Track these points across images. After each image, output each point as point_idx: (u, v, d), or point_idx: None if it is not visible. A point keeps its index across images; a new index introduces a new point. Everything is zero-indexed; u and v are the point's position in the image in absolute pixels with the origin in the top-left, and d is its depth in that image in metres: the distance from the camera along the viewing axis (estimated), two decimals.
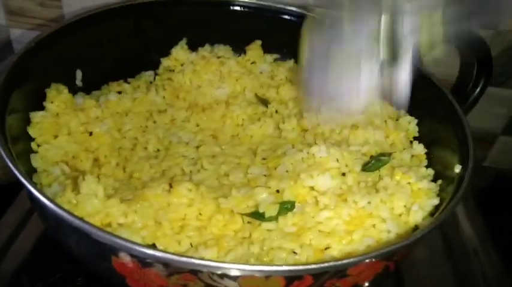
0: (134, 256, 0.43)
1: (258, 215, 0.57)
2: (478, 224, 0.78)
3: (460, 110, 0.64)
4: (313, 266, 0.43)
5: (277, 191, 0.59)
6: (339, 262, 0.43)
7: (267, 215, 0.57)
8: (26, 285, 0.61)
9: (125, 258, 0.43)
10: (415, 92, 0.69)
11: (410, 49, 0.50)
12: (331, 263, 0.43)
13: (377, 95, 0.54)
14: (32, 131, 0.62)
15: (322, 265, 0.43)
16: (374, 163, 0.64)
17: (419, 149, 0.69)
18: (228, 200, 0.57)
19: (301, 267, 0.42)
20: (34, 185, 0.46)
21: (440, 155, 0.66)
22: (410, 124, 0.72)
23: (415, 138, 0.71)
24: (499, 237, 0.76)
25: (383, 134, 0.69)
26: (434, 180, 0.64)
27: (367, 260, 0.45)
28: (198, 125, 0.73)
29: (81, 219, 0.43)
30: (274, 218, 0.57)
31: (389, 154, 0.66)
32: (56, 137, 0.64)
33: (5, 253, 0.66)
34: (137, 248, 0.41)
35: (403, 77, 0.51)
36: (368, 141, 0.68)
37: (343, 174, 0.63)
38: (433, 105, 0.68)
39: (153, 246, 0.54)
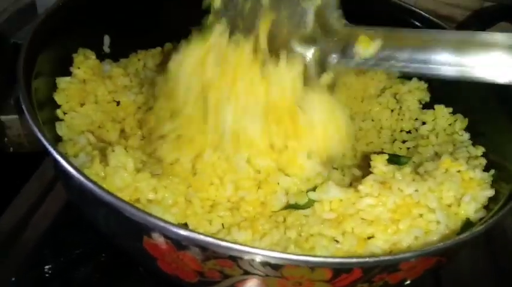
0: (169, 237, 0.39)
1: (292, 207, 0.54)
2: None
3: None
4: (366, 259, 0.39)
5: None
6: (392, 257, 0.39)
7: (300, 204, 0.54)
8: (49, 259, 0.59)
9: (159, 239, 0.40)
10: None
11: None
12: (384, 258, 0.39)
13: None
14: (58, 97, 0.59)
15: (374, 259, 0.39)
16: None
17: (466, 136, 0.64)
18: None
19: (353, 260, 0.39)
20: (62, 154, 0.42)
21: (493, 142, 0.61)
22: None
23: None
24: None
25: None
26: (485, 169, 0.59)
27: (421, 256, 0.41)
28: None
29: (113, 194, 0.39)
30: (309, 204, 0.53)
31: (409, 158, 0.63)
32: (82, 104, 0.61)
33: (27, 223, 0.64)
34: (174, 229, 0.37)
35: None
36: None
37: None
38: (489, 96, 0.63)
39: (185, 225, 0.50)
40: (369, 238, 0.51)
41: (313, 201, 0.54)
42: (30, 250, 0.60)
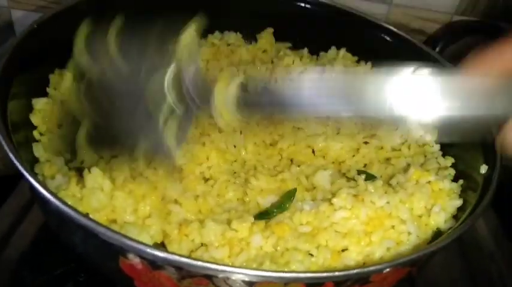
0: (144, 258, 0.40)
1: (266, 214, 0.56)
2: (493, 224, 0.76)
3: None
4: (336, 273, 0.40)
5: None
6: (363, 269, 0.41)
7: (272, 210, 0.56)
8: (27, 279, 0.59)
9: (134, 259, 0.40)
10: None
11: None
12: (354, 271, 0.40)
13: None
14: (34, 118, 0.59)
15: (345, 273, 0.40)
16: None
17: (436, 147, 0.66)
18: None
19: (324, 274, 0.40)
20: (35, 176, 0.43)
21: (461, 153, 0.63)
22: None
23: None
24: None
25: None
26: (454, 180, 0.61)
27: (391, 267, 0.42)
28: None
29: (87, 217, 0.40)
30: (284, 209, 0.56)
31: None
32: (60, 125, 0.61)
33: (5, 244, 0.63)
34: (148, 250, 0.38)
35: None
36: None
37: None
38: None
39: (162, 244, 0.51)
40: (343, 250, 0.52)
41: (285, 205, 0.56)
42: (10, 271, 0.60)
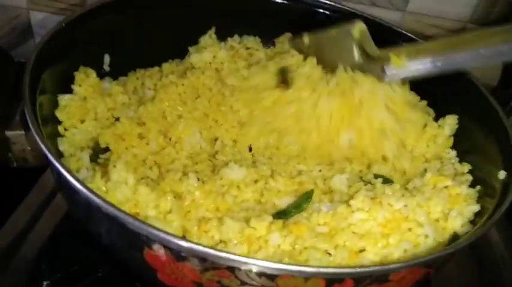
0: (170, 248, 0.41)
1: (283, 214, 0.56)
2: (506, 231, 0.76)
3: (502, 113, 0.62)
4: (357, 269, 0.41)
5: None
6: (383, 267, 0.41)
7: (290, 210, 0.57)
8: (46, 275, 0.60)
9: (159, 250, 0.41)
10: (453, 92, 0.68)
11: None
12: (375, 268, 0.41)
13: None
14: (59, 114, 0.61)
15: (366, 269, 0.41)
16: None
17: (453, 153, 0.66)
18: None
19: (345, 270, 0.40)
20: (67, 168, 0.44)
21: (479, 159, 0.63)
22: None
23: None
24: None
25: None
26: (472, 185, 0.61)
27: (411, 266, 0.43)
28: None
29: (117, 207, 0.41)
30: (301, 209, 0.57)
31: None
32: (83, 121, 0.63)
33: (25, 238, 0.64)
34: (175, 240, 0.39)
35: None
36: None
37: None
38: (473, 107, 0.66)
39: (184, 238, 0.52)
40: (360, 251, 0.52)
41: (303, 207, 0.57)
42: (28, 266, 0.61)
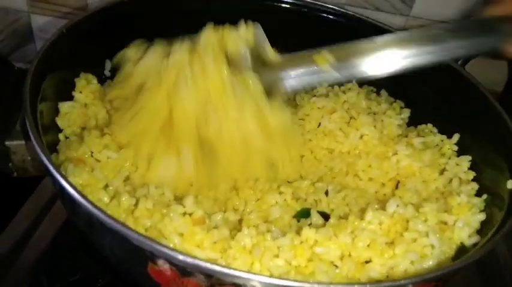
0: (174, 264, 0.40)
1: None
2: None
3: (510, 121, 0.61)
4: (367, 286, 0.40)
5: None
6: (394, 283, 0.40)
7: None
8: (44, 284, 0.59)
9: (164, 266, 0.40)
10: (459, 101, 0.67)
11: None
12: (386, 284, 0.40)
13: None
14: (60, 121, 0.60)
15: (375, 285, 0.40)
16: None
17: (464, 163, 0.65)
18: None
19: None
20: (67, 179, 0.43)
21: (485, 168, 0.62)
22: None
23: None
24: None
25: None
26: (478, 194, 0.60)
27: (419, 283, 0.42)
28: None
29: (120, 222, 0.40)
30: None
31: None
32: (83, 128, 0.62)
33: (23, 247, 0.63)
34: (181, 257, 0.38)
35: None
36: None
37: None
38: (479, 115, 0.65)
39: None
40: (367, 262, 0.52)
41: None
42: (26, 276, 0.60)
